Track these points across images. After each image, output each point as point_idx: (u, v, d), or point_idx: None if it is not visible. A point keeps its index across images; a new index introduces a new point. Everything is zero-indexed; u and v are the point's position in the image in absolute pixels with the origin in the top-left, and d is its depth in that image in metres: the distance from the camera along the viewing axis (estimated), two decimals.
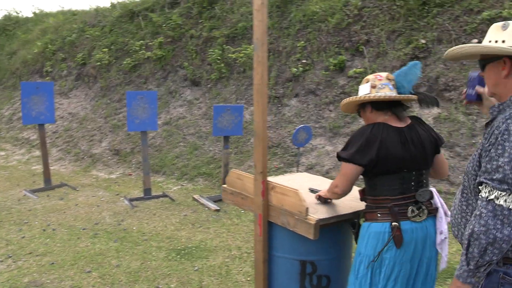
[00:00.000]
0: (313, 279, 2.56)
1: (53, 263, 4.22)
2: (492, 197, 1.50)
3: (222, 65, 9.17)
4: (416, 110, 6.22)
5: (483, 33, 6.15)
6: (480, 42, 1.80)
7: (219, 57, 9.26)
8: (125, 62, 10.97)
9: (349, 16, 7.98)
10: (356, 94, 2.38)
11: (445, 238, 2.27)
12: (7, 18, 16.98)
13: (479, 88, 2.00)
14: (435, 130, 2.40)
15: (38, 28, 14.90)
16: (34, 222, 5.43)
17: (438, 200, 2.31)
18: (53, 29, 14.15)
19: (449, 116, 6.18)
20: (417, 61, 2.39)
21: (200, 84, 9.70)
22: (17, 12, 17.30)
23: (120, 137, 9.57)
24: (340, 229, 2.59)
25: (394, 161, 2.15)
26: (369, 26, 7.71)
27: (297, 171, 6.04)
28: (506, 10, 6.16)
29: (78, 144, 9.90)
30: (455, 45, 1.73)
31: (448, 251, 2.29)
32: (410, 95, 2.27)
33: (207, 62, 9.69)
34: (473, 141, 5.81)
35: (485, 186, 1.54)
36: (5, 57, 14.92)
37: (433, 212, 2.27)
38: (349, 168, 2.21)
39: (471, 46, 1.70)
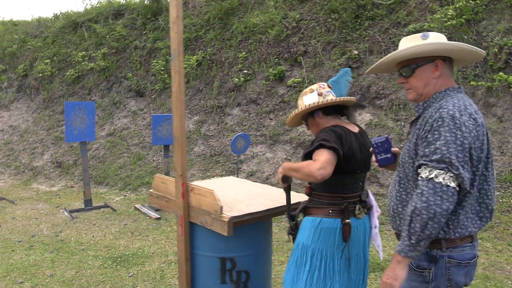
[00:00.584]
0: (233, 274, 2.71)
1: None
2: (432, 176, 1.66)
3: (166, 75, 9.24)
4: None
5: None
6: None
7: (163, 68, 9.33)
8: (68, 73, 10.82)
9: (288, 28, 8.29)
10: (295, 103, 2.53)
11: (378, 231, 2.52)
12: None
13: (394, 149, 2.09)
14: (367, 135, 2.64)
15: None
16: None
17: (372, 198, 2.55)
18: None
19: (380, 122, 6.56)
20: (347, 68, 2.60)
21: (144, 94, 9.72)
22: None
23: (62, 149, 9.41)
24: (258, 227, 2.77)
25: (354, 162, 2.34)
26: (306, 37, 8.04)
27: (237, 177, 6.19)
28: (427, 23, 6.66)
29: (19, 157, 9.65)
30: (385, 56, 1.96)
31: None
32: (352, 98, 2.47)
33: (151, 73, 9.74)
34: (401, 145, 6.19)
35: (425, 168, 1.69)
36: None
37: (369, 209, 2.51)
38: (332, 155, 2.19)
39: (386, 56, 1.91)
